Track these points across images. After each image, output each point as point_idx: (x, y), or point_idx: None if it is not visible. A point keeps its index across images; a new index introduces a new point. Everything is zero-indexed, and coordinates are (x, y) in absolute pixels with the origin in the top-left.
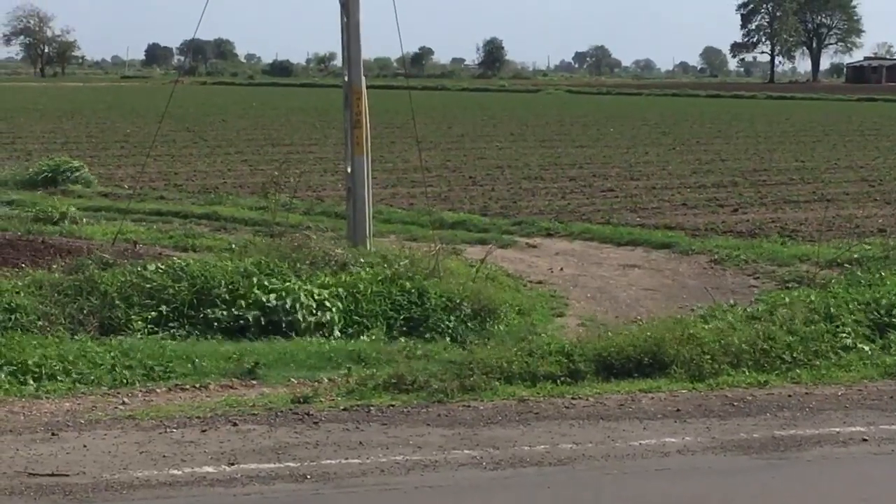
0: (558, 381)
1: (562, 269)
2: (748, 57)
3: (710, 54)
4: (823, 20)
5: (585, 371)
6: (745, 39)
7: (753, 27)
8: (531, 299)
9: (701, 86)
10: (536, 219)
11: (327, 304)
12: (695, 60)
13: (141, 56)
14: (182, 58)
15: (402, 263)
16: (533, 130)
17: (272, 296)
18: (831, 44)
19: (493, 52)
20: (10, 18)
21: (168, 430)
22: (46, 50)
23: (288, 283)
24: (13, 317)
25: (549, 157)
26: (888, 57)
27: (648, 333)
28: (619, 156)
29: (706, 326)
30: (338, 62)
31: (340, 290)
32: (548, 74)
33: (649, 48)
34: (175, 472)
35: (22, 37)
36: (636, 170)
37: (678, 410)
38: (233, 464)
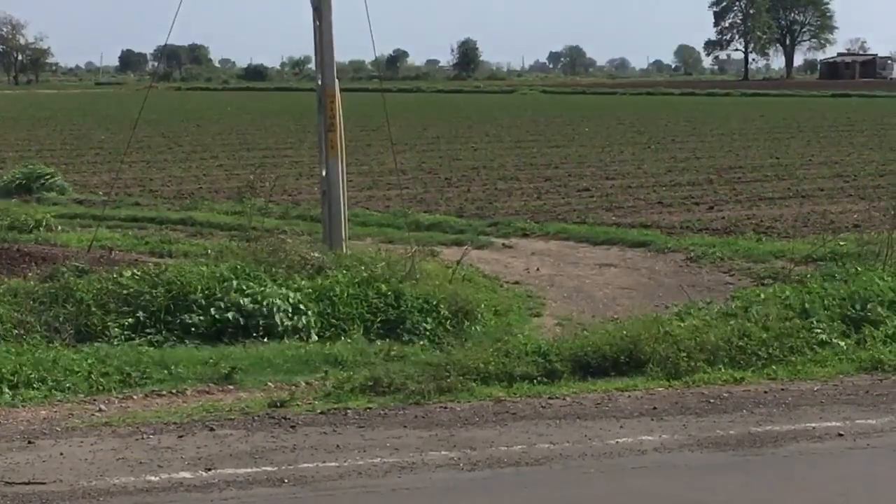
0: (535, 382)
1: (538, 269)
2: (722, 55)
3: (685, 52)
4: (796, 17)
5: (562, 371)
6: (719, 37)
7: (727, 25)
8: (508, 300)
9: (675, 84)
10: (512, 219)
11: (304, 307)
12: (669, 59)
13: (115, 62)
14: (156, 63)
15: (378, 266)
16: (508, 131)
17: (248, 300)
18: (805, 40)
19: (467, 54)
20: None
21: (145, 436)
22: (20, 57)
23: (264, 288)
24: None
25: (525, 157)
26: (861, 53)
27: (625, 332)
28: (595, 155)
29: (682, 324)
30: (312, 66)
31: (317, 293)
32: (522, 75)
33: (624, 47)
34: (152, 478)
35: None
36: (611, 169)
37: (655, 409)
38: (210, 469)
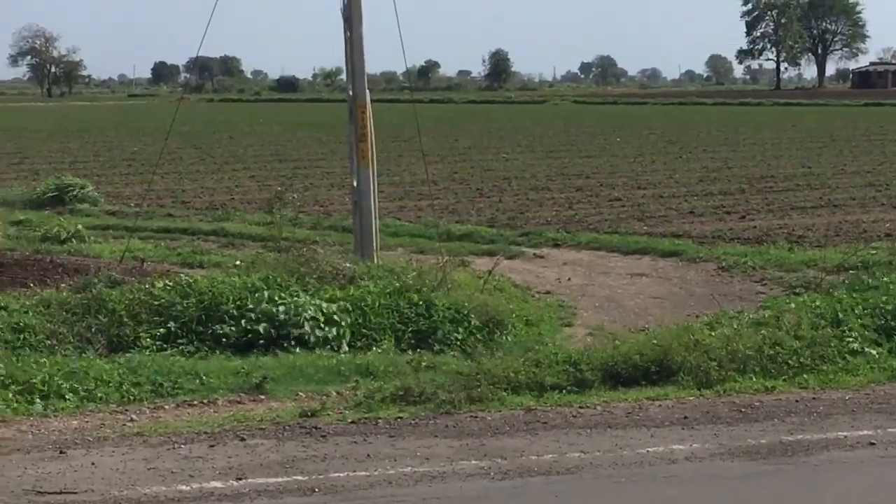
0: (566, 391)
1: (569, 279)
2: (754, 64)
3: (716, 62)
4: (828, 26)
5: (593, 380)
6: (751, 47)
7: (758, 34)
8: (539, 310)
9: (707, 94)
10: (544, 229)
11: (335, 317)
12: (701, 69)
13: (147, 74)
14: (188, 75)
15: (409, 276)
16: (539, 141)
17: (280, 310)
18: (836, 50)
19: (499, 64)
20: (17, 39)
21: (176, 446)
22: (53, 70)
23: (296, 298)
24: (21, 336)
25: (556, 167)
26: (894, 62)
27: (655, 341)
28: (626, 165)
29: (713, 333)
30: (344, 77)
31: (348, 303)
32: (554, 85)
33: (655, 57)
34: (183, 487)
35: (28, 57)
36: (643, 179)
37: (686, 418)
38: (241, 478)
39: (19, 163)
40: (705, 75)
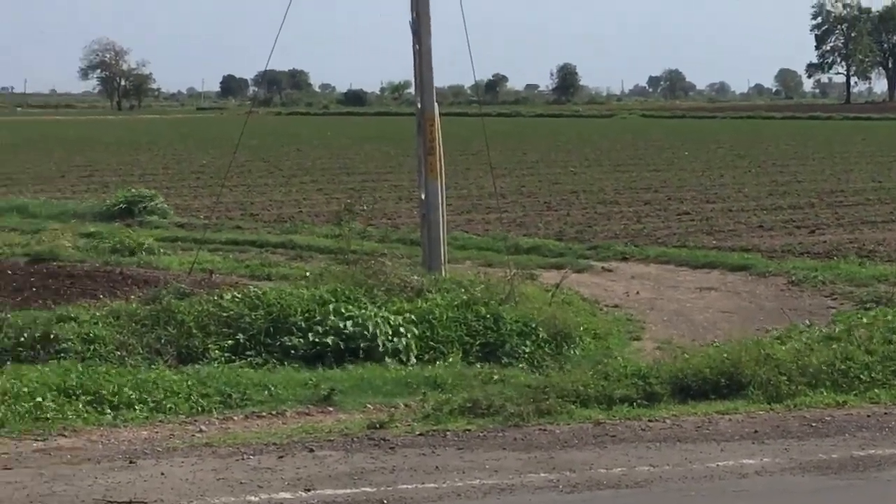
0: (634, 404)
1: (637, 292)
2: (823, 78)
3: (785, 76)
4: None
5: (662, 393)
6: (820, 61)
7: (828, 48)
8: (607, 323)
9: (776, 108)
10: (612, 243)
11: (403, 330)
12: (770, 82)
13: (216, 88)
14: (257, 89)
15: (477, 289)
16: (607, 155)
17: (349, 322)
18: None
19: (566, 78)
20: (87, 52)
21: (245, 457)
22: (123, 83)
23: (364, 311)
24: (92, 347)
25: (624, 181)
26: None
27: (725, 355)
28: (695, 179)
29: (783, 347)
30: (411, 90)
31: (416, 316)
32: (622, 99)
33: (724, 71)
34: (252, 498)
35: (98, 70)
36: (712, 192)
37: (756, 432)
38: (309, 490)
39: (90, 175)
40: (774, 89)
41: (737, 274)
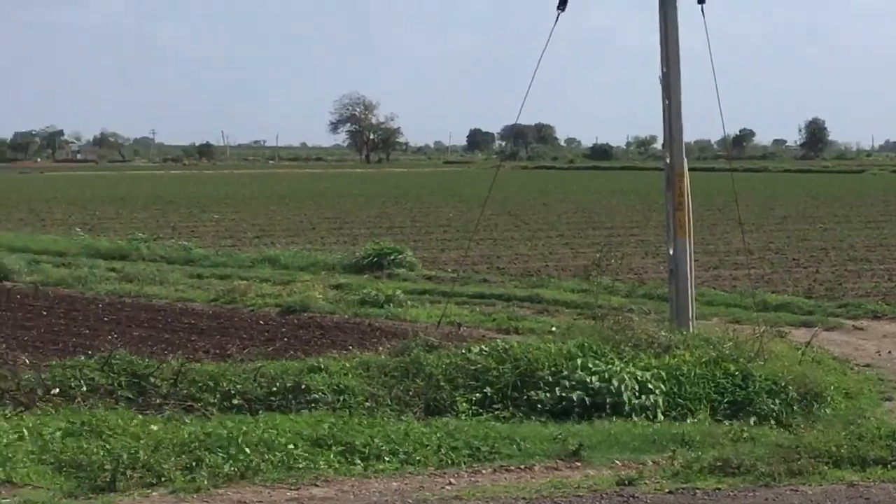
0: (890, 466)
1: (890, 352)
2: None
3: None
4: None
5: None
6: None
7: None
8: (858, 382)
9: None
10: (862, 301)
11: (650, 386)
12: None
13: (463, 141)
14: (503, 143)
15: (725, 346)
16: (857, 211)
17: (595, 378)
18: None
19: (815, 133)
20: (338, 107)
21: None
22: (371, 137)
23: (611, 366)
24: (342, 398)
25: (875, 238)
26: None
27: None
28: None
29: None
30: (657, 145)
31: (664, 372)
32: (872, 154)
33: None
34: None
35: (348, 124)
36: None
37: None
38: None
39: (339, 227)
40: None
41: None
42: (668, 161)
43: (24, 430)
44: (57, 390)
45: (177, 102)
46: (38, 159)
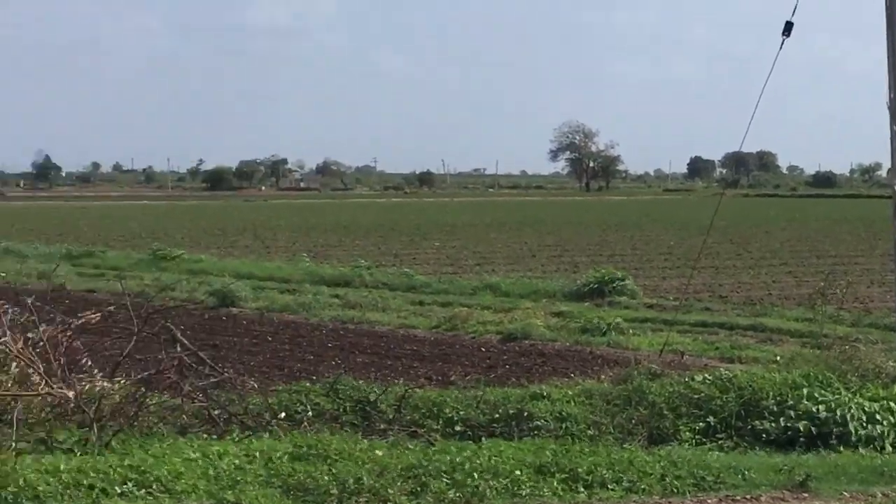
0: None
1: None
2: None
3: None
4: None
5: None
6: None
7: None
8: None
9: None
10: None
11: (878, 417)
12: None
13: (683, 169)
14: (724, 170)
15: None
16: None
17: (821, 407)
18: None
19: None
20: (558, 135)
21: None
22: (591, 164)
23: (837, 396)
24: (564, 425)
25: None
26: None
27: None
28: None
29: None
30: (883, 172)
31: (892, 403)
32: None
33: None
34: None
35: (568, 152)
36: None
37: None
38: None
39: (559, 255)
40: None
41: None
42: (895, 188)
43: (255, 454)
44: (283, 415)
45: (398, 131)
46: (263, 187)
